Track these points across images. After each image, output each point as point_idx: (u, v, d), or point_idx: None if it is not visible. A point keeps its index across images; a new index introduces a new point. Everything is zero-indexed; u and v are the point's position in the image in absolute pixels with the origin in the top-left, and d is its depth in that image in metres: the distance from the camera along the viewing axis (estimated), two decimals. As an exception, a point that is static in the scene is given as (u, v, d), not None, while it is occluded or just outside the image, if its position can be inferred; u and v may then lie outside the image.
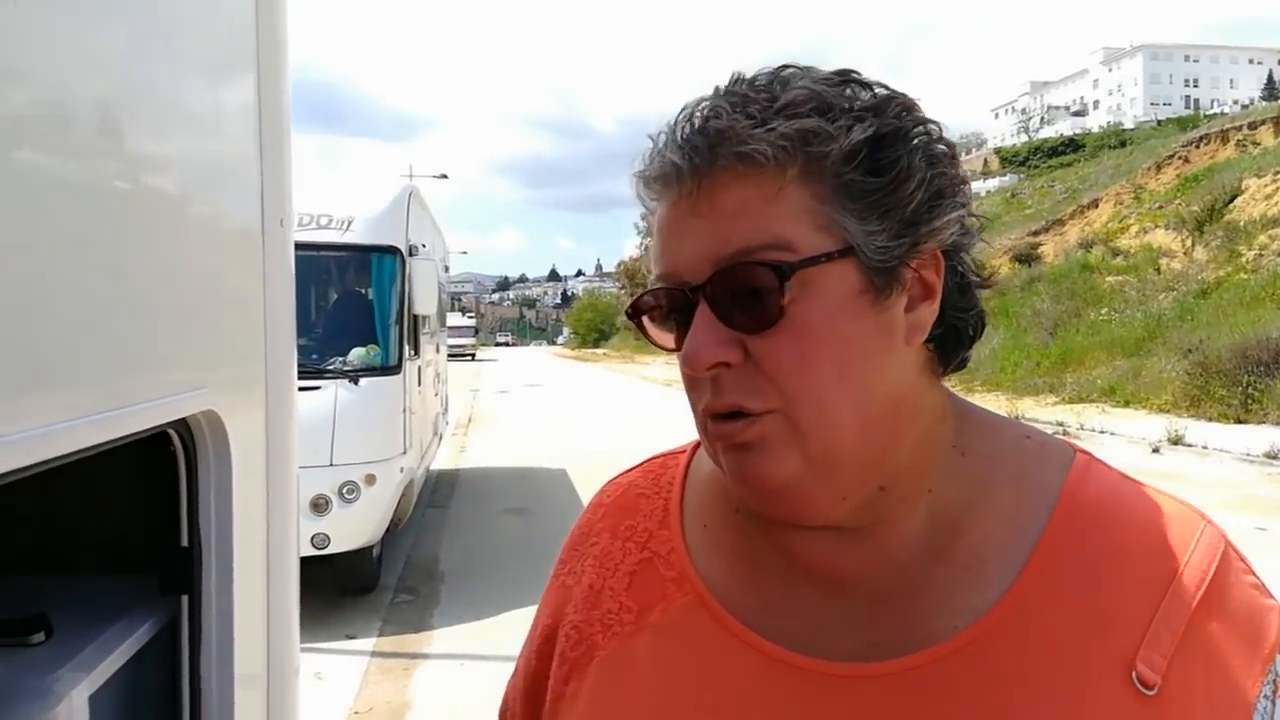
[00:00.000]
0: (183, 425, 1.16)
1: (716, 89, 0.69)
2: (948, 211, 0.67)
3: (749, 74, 0.69)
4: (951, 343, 0.72)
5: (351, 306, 6.95)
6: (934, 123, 0.68)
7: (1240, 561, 0.69)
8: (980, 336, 0.74)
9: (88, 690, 1.14)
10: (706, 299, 0.65)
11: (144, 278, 1.03)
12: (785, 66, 0.69)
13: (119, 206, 0.98)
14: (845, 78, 0.68)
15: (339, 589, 6.41)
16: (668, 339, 0.71)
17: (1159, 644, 0.64)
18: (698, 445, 0.86)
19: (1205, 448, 12.10)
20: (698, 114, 0.67)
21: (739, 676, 0.71)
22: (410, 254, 6.80)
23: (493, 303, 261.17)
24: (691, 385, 0.69)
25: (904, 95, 0.68)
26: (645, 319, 0.72)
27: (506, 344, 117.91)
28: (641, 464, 0.90)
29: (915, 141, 0.66)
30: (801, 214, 0.64)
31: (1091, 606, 0.66)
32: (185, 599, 1.23)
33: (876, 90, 0.67)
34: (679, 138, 0.67)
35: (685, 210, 0.66)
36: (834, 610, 0.71)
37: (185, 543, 1.21)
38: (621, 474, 0.91)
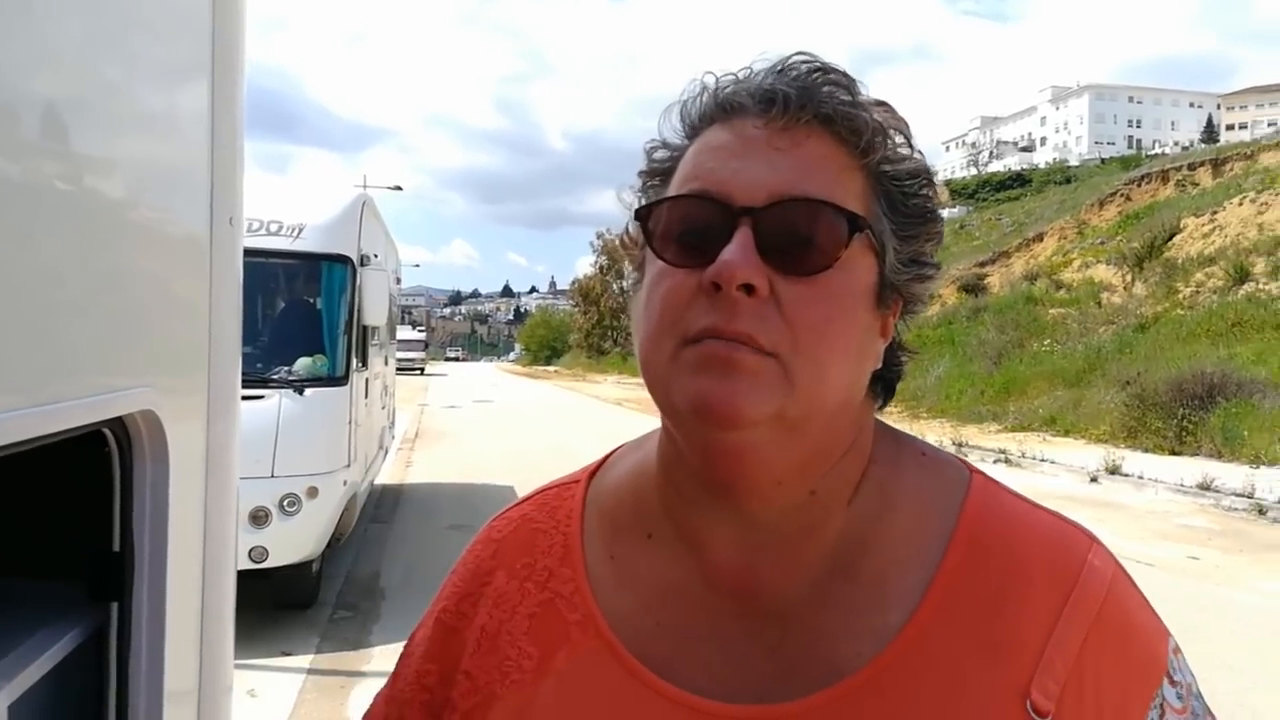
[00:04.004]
0: (119, 425, 1.11)
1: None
2: (930, 273, 0.71)
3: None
4: (878, 390, 0.75)
5: (299, 315, 6.83)
6: None
7: (1129, 584, 0.70)
8: (889, 402, 0.77)
9: (7, 699, 1.08)
10: (754, 224, 0.64)
11: (84, 275, 1.00)
12: None
13: (60, 203, 0.95)
14: None
15: (276, 604, 6.26)
16: (668, 248, 0.68)
17: (1053, 671, 0.64)
18: (593, 474, 0.84)
19: (1141, 477, 12.38)
20: (808, 60, 0.68)
21: None
22: (361, 264, 6.72)
23: (444, 317, 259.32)
24: (682, 305, 0.65)
25: None
26: (652, 222, 0.69)
27: (457, 359, 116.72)
28: (532, 496, 0.86)
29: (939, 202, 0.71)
30: (860, 199, 0.67)
31: (990, 633, 0.66)
32: (115, 606, 1.18)
33: None
34: (790, 72, 0.68)
35: (760, 138, 0.66)
36: (747, 632, 0.70)
37: (117, 547, 1.17)
38: (512, 507, 0.87)
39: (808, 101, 0.66)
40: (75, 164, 0.99)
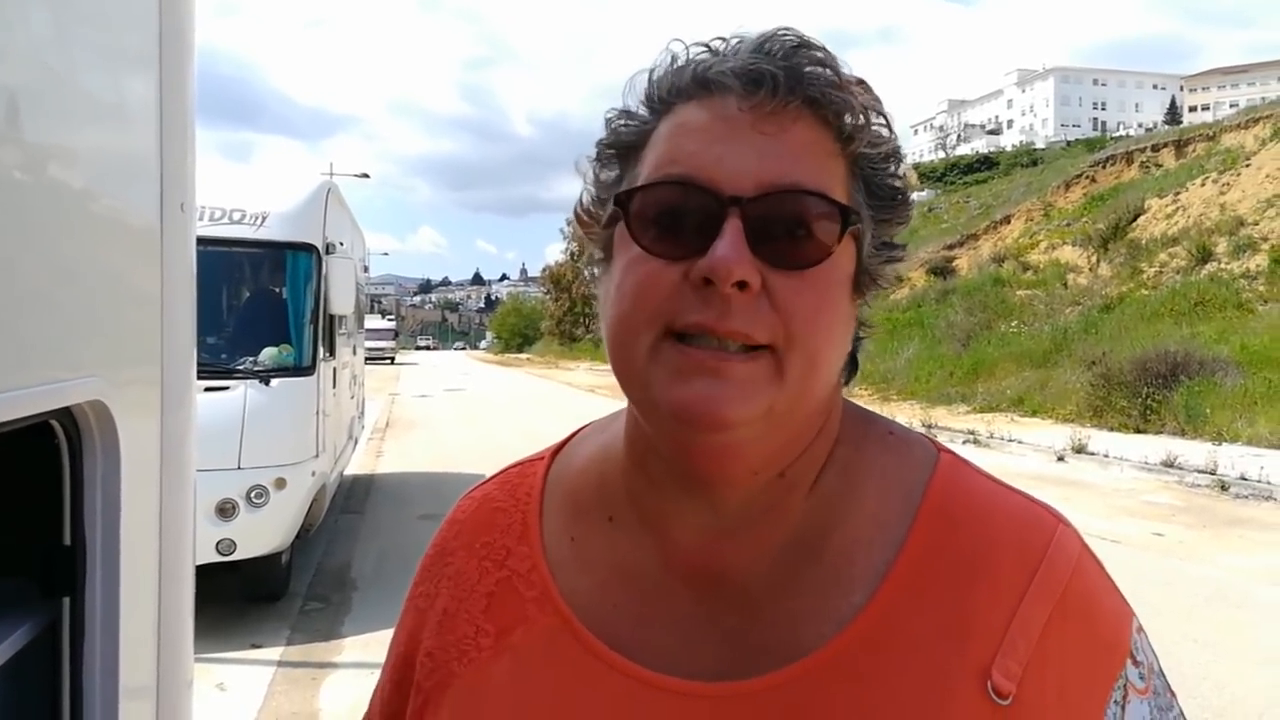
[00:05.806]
0: (67, 415, 1.09)
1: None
2: (899, 255, 0.70)
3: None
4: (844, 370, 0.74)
5: (264, 305, 6.74)
6: None
7: (1095, 564, 0.69)
8: (854, 378, 0.75)
9: (-46, 699, 1.06)
10: (744, 215, 0.60)
11: (30, 262, 0.97)
12: None
13: (4, 190, 0.92)
14: None
15: (245, 596, 6.22)
16: (647, 233, 0.64)
17: (1015, 651, 0.63)
18: (555, 452, 0.83)
19: (1106, 456, 12.55)
20: (792, 37, 0.65)
21: (603, 703, 0.68)
22: (327, 252, 6.64)
23: (414, 305, 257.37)
24: (661, 295, 0.62)
25: None
26: (634, 209, 0.65)
27: (428, 347, 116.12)
28: (497, 475, 0.85)
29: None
30: (843, 186, 0.65)
31: (952, 613, 0.65)
32: (67, 601, 1.15)
33: None
34: (774, 50, 0.64)
35: (744, 121, 0.63)
36: (706, 616, 0.69)
37: (68, 541, 1.14)
38: (477, 486, 0.86)
39: (796, 84, 0.62)
40: (20, 151, 0.97)
